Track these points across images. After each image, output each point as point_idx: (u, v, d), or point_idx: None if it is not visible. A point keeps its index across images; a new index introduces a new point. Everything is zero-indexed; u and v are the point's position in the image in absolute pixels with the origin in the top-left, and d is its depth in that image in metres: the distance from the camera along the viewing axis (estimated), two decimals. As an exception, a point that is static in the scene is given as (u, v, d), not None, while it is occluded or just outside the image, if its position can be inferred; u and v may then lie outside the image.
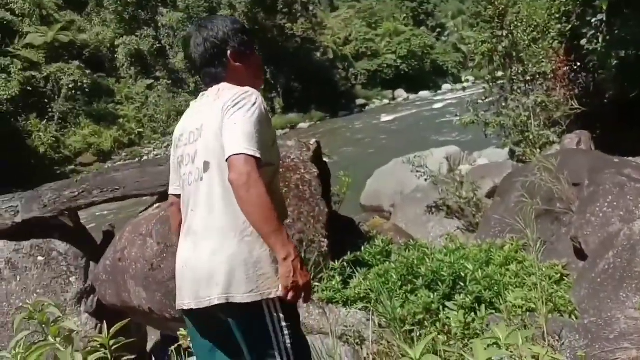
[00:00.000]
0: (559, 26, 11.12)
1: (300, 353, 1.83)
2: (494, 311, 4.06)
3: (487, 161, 13.61)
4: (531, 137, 10.29)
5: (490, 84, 11.15)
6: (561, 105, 10.79)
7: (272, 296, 1.78)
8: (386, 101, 43.52)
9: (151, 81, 33.91)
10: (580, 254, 5.08)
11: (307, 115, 36.06)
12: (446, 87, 48.65)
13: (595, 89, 10.07)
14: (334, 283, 4.25)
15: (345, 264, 4.47)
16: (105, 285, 4.83)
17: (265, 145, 1.77)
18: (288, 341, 1.79)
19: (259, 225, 1.69)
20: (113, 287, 4.73)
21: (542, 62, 11.04)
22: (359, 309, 4.09)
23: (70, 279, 5.20)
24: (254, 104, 1.79)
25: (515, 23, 10.40)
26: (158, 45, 35.21)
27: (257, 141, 1.72)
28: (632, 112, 8.33)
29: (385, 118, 32.83)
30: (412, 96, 44.62)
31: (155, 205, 5.02)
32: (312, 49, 41.79)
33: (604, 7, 7.50)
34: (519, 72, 10.72)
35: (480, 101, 11.15)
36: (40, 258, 5.14)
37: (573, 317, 4.19)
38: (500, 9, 10.34)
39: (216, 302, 1.77)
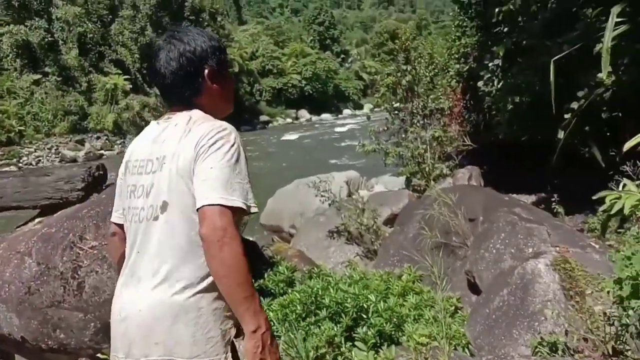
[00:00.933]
0: (458, 66, 11.86)
1: None
2: (395, 346, 4.08)
3: (383, 188, 14.06)
4: (427, 168, 10.83)
5: (392, 115, 11.58)
6: (454, 140, 11.49)
7: None
8: (289, 120, 43.95)
9: (39, 76, 31.27)
10: (474, 288, 5.32)
11: (208, 127, 35.12)
12: (347, 112, 50.26)
13: (486, 128, 10.82)
14: (235, 313, 4.03)
15: (248, 293, 4.26)
16: (-33, 309, 4.18)
17: (244, 188, 1.56)
18: None
19: (231, 290, 1.46)
20: (-22, 311, 4.11)
21: (441, 98, 11.71)
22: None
23: None
24: (233, 144, 1.59)
25: (419, 59, 10.92)
26: (50, 39, 32.63)
27: (235, 188, 1.52)
28: (518, 153, 9.05)
29: (288, 137, 33.04)
30: (314, 117, 45.51)
31: (37, 220, 4.49)
32: (217, 61, 41.03)
33: (501, 54, 8.08)
34: (419, 106, 11.26)
35: (382, 129, 11.53)
36: None
37: (467, 351, 4.33)
38: (407, 44, 10.82)
39: None
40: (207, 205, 1.48)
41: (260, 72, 46.92)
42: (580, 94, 5.77)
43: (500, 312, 4.31)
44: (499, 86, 8.91)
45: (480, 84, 9.56)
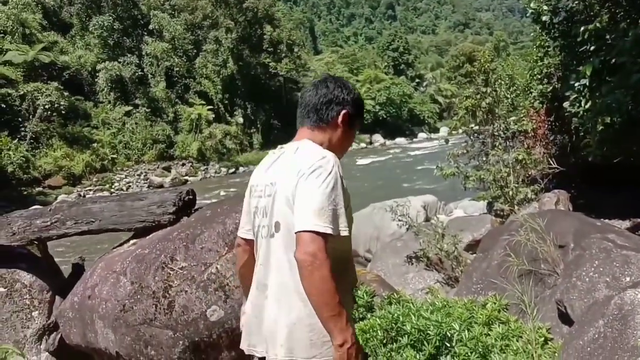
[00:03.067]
0: (541, 87, 11.45)
1: None
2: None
3: (463, 213, 13.70)
4: (510, 192, 10.42)
5: (472, 137, 11.31)
6: (539, 163, 11.01)
7: None
8: (363, 145, 44.06)
9: (130, 108, 33.61)
10: (565, 319, 5.00)
11: (285, 154, 35.98)
12: (422, 135, 49.66)
13: (574, 150, 10.30)
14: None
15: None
16: (70, 323, 4.50)
17: (336, 216, 1.70)
18: None
19: (318, 309, 1.64)
20: (79, 325, 4.41)
21: (524, 120, 11.31)
22: None
23: (33, 313, 4.85)
24: (330, 172, 1.72)
25: (500, 81, 10.65)
26: (140, 73, 35.10)
27: (328, 215, 1.66)
28: (609, 176, 8.52)
29: (362, 161, 33.12)
30: (388, 142, 45.35)
31: (132, 242, 4.78)
32: (294, 89, 42.30)
33: (588, 73, 7.71)
34: (501, 128, 10.93)
35: (461, 152, 11.29)
36: (1, 289, 4.80)
37: (559, 385, 4.07)
38: (486, 65, 10.61)
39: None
40: (301, 231, 1.64)
41: (335, 98, 47.61)
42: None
43: (595, 345, 4.00)
44: (586, 106, 8.46)
45: (566, 104, 9.13)
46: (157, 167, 31.48)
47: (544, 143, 11.55)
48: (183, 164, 32.81)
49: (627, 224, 8.59)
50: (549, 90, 11.42)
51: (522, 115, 11.66)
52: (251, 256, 2.01)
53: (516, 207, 10.22)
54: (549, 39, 10.96)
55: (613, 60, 7.40)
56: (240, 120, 37.57)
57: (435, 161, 15.89)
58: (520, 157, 10.30)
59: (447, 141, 13.16)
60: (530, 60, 12.84)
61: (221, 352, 3.97)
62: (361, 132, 46.31)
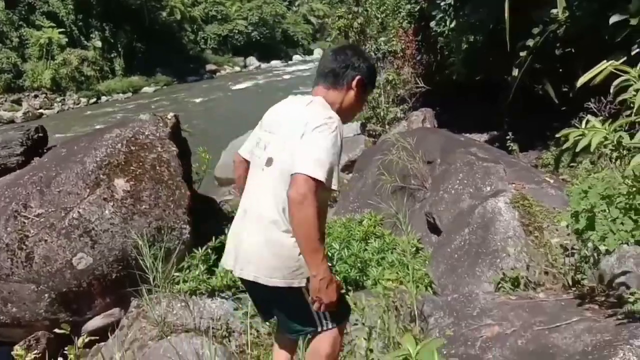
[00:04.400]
0: (409, 6, 11.63)
1: (338, 315, 2.10)
2: (362, 291, 4.11)
3: (339, 134, 13.94)
4: (382, 113, 10.77)
5: (345, 59, 11.31)
6: (408, 83, 11.42)
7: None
8: (237, 68, 42.63)
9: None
10: (434, 229, 5.39)
11: (152, 79, 33.60)
12: (297, 57, 49.16)
13: (440, 69, 10.79)
14: (197, 273, 3.92)
15: (209, 250, 4.15)
16: None
17: (331, 170, 1.89)
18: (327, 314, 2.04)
19: (301, 241, 1.86)
20: None
21: (393, 40, 11.52)
22: (226, 299, 3.83)
23: None
24: (333, 131, 1.92)
25: (370, 1, 10.62)
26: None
27: (325, 166, 1.85)
28: (472, 93, 9.07)
29: (237, 86, 32.16)
30: (263, 65, 44.34)
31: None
32: (157, 8, 39.02)
33: (457, -9, 7.93)
34: (372, 49, 11.05)
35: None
36: None
37: (430, 289, 4.41)
38: (356, -15, 10.48)
39: (261, 281, 1.99)
40: (298, 173, 1.83)
41: (204, 18, 44.94)
42: (535, 30, 5.73)
43: (462, 252, 4.38)
44: (451, 26, 8.78)
45: (432, 24, 9.41)
46: (5, 101, 27.87)
47: (412, 63, 11.93)
48: (36, 96, 29.33)
49: (485, 136, 9.33)
50: (416, 9, 11.65)
51: (391, 36, 11.84)
52: (246, 172, 2.19)
53: (387, 127, 10.62)
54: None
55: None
56: (99, 44, 34.01)
57: (311, 84, 15.85)
58: (390, 78, 10.56)
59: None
60: (399, -21, 12.91)
61: (94, 300, 3.70)
62: (235, 54, 44.68)
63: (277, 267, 1.98)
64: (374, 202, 6.20)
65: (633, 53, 5.18)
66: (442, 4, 8.75)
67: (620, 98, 2.88)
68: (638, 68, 2.79)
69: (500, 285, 3.88)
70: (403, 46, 11.63)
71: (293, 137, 1.94)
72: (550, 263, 3.84)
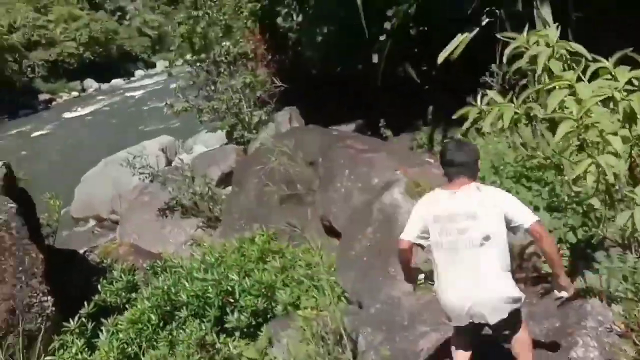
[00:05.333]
0: (250, 5, 11.28)
1: None
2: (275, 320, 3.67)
3: (204, 147, 13.17)
4: (246, 118, 10.32)
5: (195, 68, 10.67)
6: (265, 83, 11.08)
7: None
8: (75, 93, 39.00)
9: None
10: (332, 232, 5.10)
11: (-25, 122, 29.49)
12: (139, 73, 46.45)
13: (296, 65, 10.61)
14: (74, 351, 3.18)
15: (84, 319, 3.41)
16: None
17: None
18: None
19: None
20: None
21: (241, 42, 11.10)
22: (117, 375, 3.15)
23: None
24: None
25: (209, 3, 10.07)
26: None
27: None
28: (335, 84, 8.96)
29: (77, 113, 29.34)
30: (103, 86, 41.11)
31: None
32: (-35, 40, 34.26)
33: (294, -15, 7.73)
34: (222, 53, 10.53)
35: (188, 85, 10.62)
36: None
37: (343, 299, 4.11)
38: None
39: None
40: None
41: (26, 45, 40.46)
42: (389, 12, 5.68)
43: (370, 253, 4.12)
44: (299, 19, 8.59)
45: (279, 20, 9.15)
46: None
47: (265, 63, 11.60)
48: None
49: (352, 126, 9.33)
50: (258, 8, 11.33)
51: (238, 37, 11.41)
52: None
53: (254, 132, 10.22)
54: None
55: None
56: None
57: (161, 98, 14.74)
58: (247, 81, 10.15)
59: (170, 74, 12.17)
60: (235, -22, 12.48)
61: None
62: (69, 79, 40.87)
63: None
64: (262, 215, 5.77)
65: (483, 23, 5.33)
66: (285, -2, 8.54)
67: (515, 67, 2.79)
68: (525, 34, 2.70)
69: (419, 281, 3.69)
70: (253, 46, 11.27)
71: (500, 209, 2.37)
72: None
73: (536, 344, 2.32)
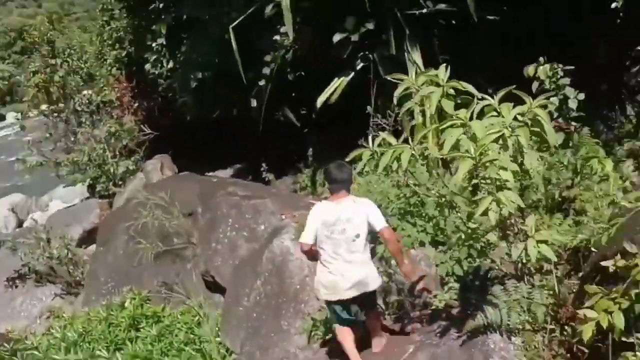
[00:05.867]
0: (115, 52, 10.74)
1: None
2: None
3: (62, 204, 11.87)
4: (111, 169, 9.54)
5: (52, 118, 9.72)
6: (133, 132, 10.44)
7: None
8: None
9: None
10: (216, 288, 4.64)
11: None
12: (-16, 127, 41.93)
13: (166, 112, 10.18)
14: None
15: None
16: None
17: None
18: None
19: None
20: None
21: (105, 90, 10.42)
22: None
23: None
24: None
25: (69, 51, 9.36)
26: None
27: None
28: (211, 130, 8.65)
29: None
30: (-60, 141, 36.33)
31: None
32: None
33: (163, 32, 7.40)
34: (83, 102, 9.76)
35: (44, 137, 9.63)
36: None
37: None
38: (48, 36, 9.12)
39: None
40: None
41: None
42: (268, 58, 5.60)
43: (260, 308, 3.75)
44: (169, 66, 8.26)
45: (147, 66, 8.72)
46: None
47: (132, 110, 10.97)
48: None
49: (230, 171, 9.02)
50: (124, 55, 10.79)
51: (102, 85, 10.73)
52: None
53: (120, 183, 9.49)
54: (112, 1, 10.30)
55: (185, 16, 7.28)
56: None
57: (12, 153, 13.15)
58: (113, 130, 9.47)
59: (23, 127, 10.95)
60: (97, 25, 11.84)
61: None
62: None
63: None
64: (134, 275, 5.15)
65: (358, 68, 5.44)
66: (153, 45, 8.15)
67: (405, 108, 2.73)
68: (413, 75, 2.66)
69: (313, 333, 3.43)
70: (118, 94, 10.62)
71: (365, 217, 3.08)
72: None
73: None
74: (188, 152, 9.60)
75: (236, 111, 6.99)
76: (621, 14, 4.12)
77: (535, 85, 3.55)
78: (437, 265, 3.55)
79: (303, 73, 6.03)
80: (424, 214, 3.89)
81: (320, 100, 5.35)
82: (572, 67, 3.49)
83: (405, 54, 5.00)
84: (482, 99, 2.42)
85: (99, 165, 9.57)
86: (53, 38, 10.38)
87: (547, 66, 3.50)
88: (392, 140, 2.55)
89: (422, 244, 3.82)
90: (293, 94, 6.45)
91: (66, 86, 10.09)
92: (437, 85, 2.52)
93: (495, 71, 4.47)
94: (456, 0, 4.84)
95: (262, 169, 6.06)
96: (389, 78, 3.03)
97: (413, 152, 2.37)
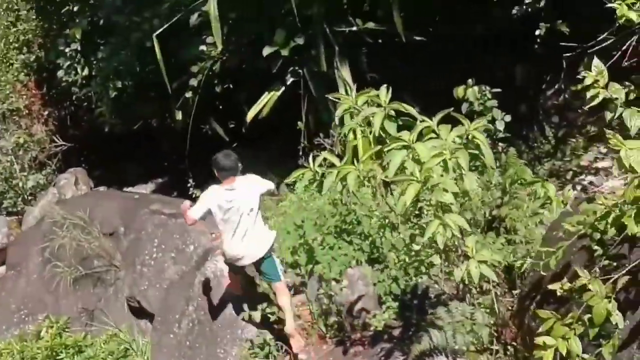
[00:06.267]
0: (22, 56, 9.95)
1: None
2: None
3: (-41, 222, 10.83)
4: (20, 184, 8.82)
5: None
6: (43, 143, 9.73)
7: None
8: None
9: None
10: (142, 314, 4.36)
11: None
12: None
13: (80, 122, 9.57)
14: None
15: None
16: None
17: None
18: None
19: None
20: None
21: (12, 97, 9.63)
22: None
23: None
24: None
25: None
26: None
27: None
28: (131, 142, 8.21)
29: None
30: None
31: None
32: None
33: (78, 36, 6.96)
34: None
35: None
36: None
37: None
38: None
39: None
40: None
41: None
42: (194, 68, 5.39)
43: (193, 335, 3.56)
44: (84, 73, 7.78)
45: (60, 73, 8.16)
46: None
47: (42, 120, 10.20)
48: None
49: (152, 186, 8.61)
50: (32, 59, 10.01)
51: (8, 92, 9.90)
52: None
53: (30, 199, 8.80)
54: (20, 1, 9.59)
55: (102, 21, 6.90)
56: None
57: None
58: (21, 141, 8.77)
59: None
60: (1, 27, 10.90)
61: None
62: None
63: None
64: (51, 302, 4.74)
65: (288, 82, 5.39)
66: (67, 50, 7.64)
67: (347, 128, 2.69)
68: (354, 96, 2.64)
69: (253, 356, 3.30)
70: (27, 102, 9.85)
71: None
72: (297, 315, 3.48)
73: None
74: (105, 165, 9.08)
75: (159, 123, 6.69)
76: (538, 40, 4.38)
77: (465, 107, 3.67)
78: (374, 284, 3.55)
79: (231, 85, 5.88)
80: (359, 232, 3.90)
81: (250, 115, 5.24)
82: (499, 90, 3.64)
83: (335, 70, 5.01)
84: (423, 120, 2.44)
85: (5, 179, 8.82)
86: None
87: (476, 88, 3.63)
88: (335, 160, 2.52)
89: (358, 262, 3.83)
90: (221, 107, 6.28)
91: None
92: (379, 105, 2.52)
93: (422, 91, 4.59)
94: (385, 20, 4.92)
95: (188, 184, 5.81)
96: (327, 96, 2.99)
97: (358, 173, 2.34)
